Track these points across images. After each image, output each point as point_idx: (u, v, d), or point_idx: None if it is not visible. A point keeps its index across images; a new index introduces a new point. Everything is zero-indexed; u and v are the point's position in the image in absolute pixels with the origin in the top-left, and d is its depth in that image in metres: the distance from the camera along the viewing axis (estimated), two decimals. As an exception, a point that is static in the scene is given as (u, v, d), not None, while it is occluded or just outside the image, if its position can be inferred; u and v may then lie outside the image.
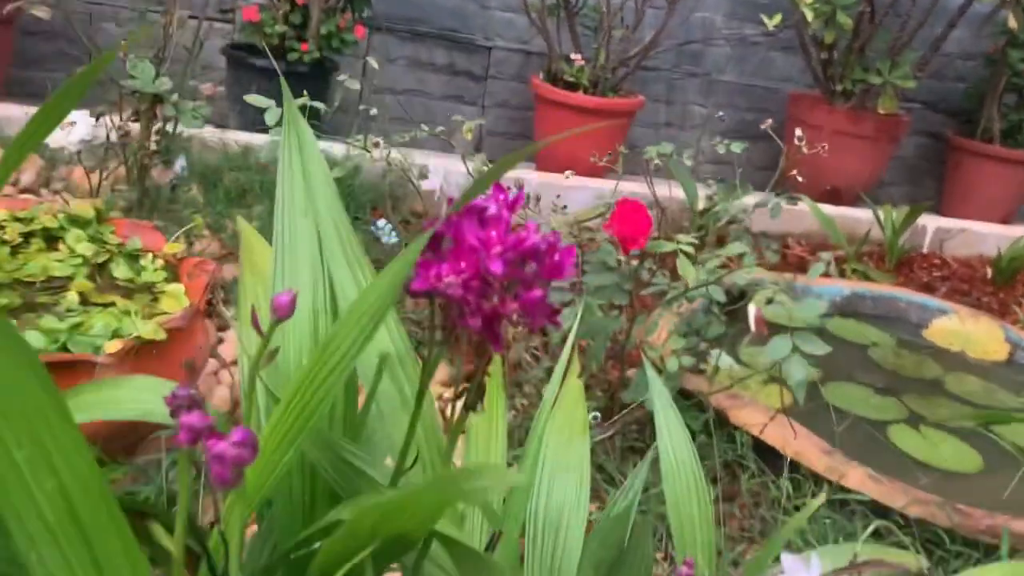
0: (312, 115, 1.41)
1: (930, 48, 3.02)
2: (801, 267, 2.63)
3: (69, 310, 1.10)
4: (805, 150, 1.44)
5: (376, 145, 1.35)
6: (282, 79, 0.78)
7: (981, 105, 3.25)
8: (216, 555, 0.63)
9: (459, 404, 0.62)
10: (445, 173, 2.56)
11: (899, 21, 2.96)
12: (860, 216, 2.87)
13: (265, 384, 0.71)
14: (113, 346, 0.98)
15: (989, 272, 2.81)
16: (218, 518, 0.62)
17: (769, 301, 1.26)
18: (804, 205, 2.66)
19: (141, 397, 0.68)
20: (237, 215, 2.18)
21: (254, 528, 0.81)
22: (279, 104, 1.90)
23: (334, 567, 0.56)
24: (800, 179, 1.47)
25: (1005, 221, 3.22)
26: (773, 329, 1.45)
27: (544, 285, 0.53)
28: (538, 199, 1.43)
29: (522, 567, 0.83)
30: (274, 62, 2.44)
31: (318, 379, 0.59)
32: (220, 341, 1.63)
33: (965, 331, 2.14)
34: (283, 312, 0.64)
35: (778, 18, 2.67)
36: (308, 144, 0.80)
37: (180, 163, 2.28)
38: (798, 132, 1.44)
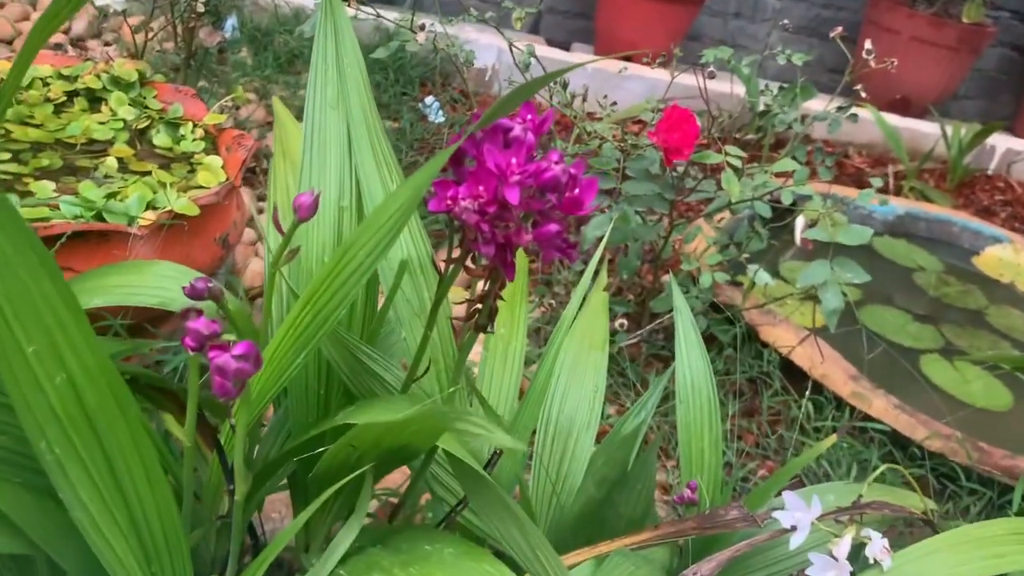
0: (361, -12, 1.37)
1: (1030, -47, 2.81)
2: (859, 180, 2.55)
3: (107, 176, 1.11)
4: (873, 64, 1.36)
5: (422, 28, 1.31)
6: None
7: (1076, 19, 3.04)
8: (228, 446, 0.65)
9: (471, 323, 0.62)
10: (498, 51, 2.48)
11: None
12: (927, 130, 2.75)
13: (286, 280, 0.71)
14: (147, 218, 0.99)
15: (1055, 200, 2.70)
16: (229, 412, 0.64)
17: (812, 224, 1.22)
18: (869, 114, 2.55)
19: (163, 284, 0.69)
20: (279, 94, 2.14)
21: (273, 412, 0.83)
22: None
23: (337, 474, 0.58)
24: (864, 95, 1.40)
25: (1082, 147, 3.06)
26: (818, 244, 1.42)
27: (562, 218, 0.52)
28: (584, 97, 1.38)
29: (530, 471, 0.85)
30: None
31: (335, 284, 0.59)
32: (260, 211, 1.64)
33: (1018, 262, 2.07)
34: (305, 213, 0.63)
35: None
36: (344, 34, 0.77)
37: (231, 22, 2.24)
38: (867, 44, 1.36)
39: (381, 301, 0.76)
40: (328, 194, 0.76)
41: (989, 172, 2.80)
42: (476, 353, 0.92)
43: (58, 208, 0.99)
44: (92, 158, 1.15)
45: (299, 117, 1.83)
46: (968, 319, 1.81)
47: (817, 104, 2.25)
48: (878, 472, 0.79)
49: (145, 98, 1.29)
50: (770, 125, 2.09)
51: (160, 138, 1.22)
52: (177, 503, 0.64)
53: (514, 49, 1.32)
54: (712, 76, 1.30)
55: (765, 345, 1.48)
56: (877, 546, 0.71)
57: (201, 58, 1.62)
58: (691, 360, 0.89)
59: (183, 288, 0.63)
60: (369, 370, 0.70)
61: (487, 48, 2.41)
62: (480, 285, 0.59)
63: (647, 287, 1.55)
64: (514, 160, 0.50)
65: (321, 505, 0.59)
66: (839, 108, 1.40)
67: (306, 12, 2.32)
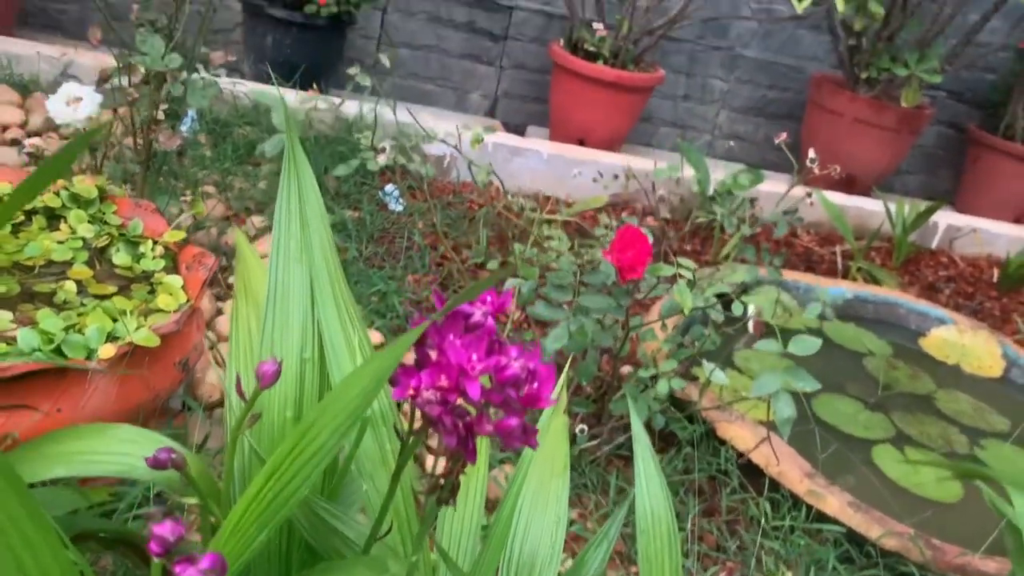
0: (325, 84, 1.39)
1: (962, 40, 2.95)
2: (808, 258, 2.62)
3: (66, 301, 1.11)
4: (817, 171, 1.42)
5: (383, 150, 1.34)
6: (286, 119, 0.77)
7: (1008, 99, 3.19)
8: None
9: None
10: (457, 138, 2.53)
11: (933, 8, 2.89)
12: (871, 208, 2.84)
13: (248, 439, 0.72)
14: (107, 351, 0.99)
15: (995, 275, 2.80)
16: None
17: (764, 334, 1.26)
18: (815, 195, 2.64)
19: (125, 449, 0.69)
20: (238, 186, 2.14)
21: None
22: (294, 61, 1.84)
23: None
24: (811, 202, 1.46)
25: (1019, 220, 3.19)
26: (771, 328, 1.46)
27: (522, 409, 0.54)
28: (538, 202, 1.41)
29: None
30: (291, 14, 2.40)
31: (297, 464, 0.60)
32: (219, 312, 1.64)
33: (963, 343, 2.14)
34: (267, 381, 0.65)
35: (807, 1, 2.60)
36: (307, 187, 0.79)
37: (191, 115, 2.26)
38: (811, 153, 1.42)
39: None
40: (291, 345, 0.77)
41: (933, 248, 2.90)
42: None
43: (15, 341, 0.99)
44: (51, 281, 1.15)
45: (258, 209, 1.83)
46: (917, 404, 1.86)
47: (767, 187, 2.33)
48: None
49: (104, 214, 1.29)
50: (723, 206, 2.15)
51: (120, 257, 1.22)
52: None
53: (472, 168, 1.36)
54: (662, 200, 1.34)
55: (723, 442, 1.51)
56: None
57: (160, 160, 1.63)
58: (650, 489, 0.90)
59: (146, 460, 0.63)
60: (330, 527, 0.71)
61: (445, 135, 2.46)
62: (443, 462, 0.60)
63: (607, 380, 1.58)
64: (475, 356, 0.52)
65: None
66: (785, 212, 1.45)
67: (265, 103, 2.34)
